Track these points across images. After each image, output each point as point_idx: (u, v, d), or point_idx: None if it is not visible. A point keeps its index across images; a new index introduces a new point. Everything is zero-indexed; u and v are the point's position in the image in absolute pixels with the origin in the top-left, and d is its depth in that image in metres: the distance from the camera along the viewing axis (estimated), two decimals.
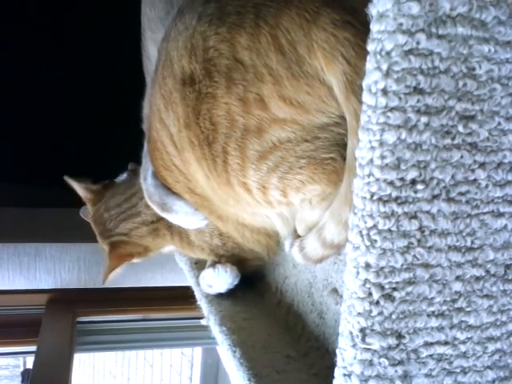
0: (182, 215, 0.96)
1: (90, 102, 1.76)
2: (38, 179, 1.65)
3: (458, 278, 0.59)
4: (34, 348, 1.45)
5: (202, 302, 1.10)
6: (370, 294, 0.56)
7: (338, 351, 0.60)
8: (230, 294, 1.08)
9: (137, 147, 1.20)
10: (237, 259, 1.07)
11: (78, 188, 1.18)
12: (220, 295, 1.09)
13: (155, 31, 1.17)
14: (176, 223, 1.02)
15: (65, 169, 1.76)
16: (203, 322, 1.08)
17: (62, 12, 1.77)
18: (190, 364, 3.28)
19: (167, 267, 1.63)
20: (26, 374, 1.48)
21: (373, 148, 0.54)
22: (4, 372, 4.84)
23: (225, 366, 0.95)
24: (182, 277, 1.29)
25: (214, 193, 0.84)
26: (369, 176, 0.55)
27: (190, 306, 1.17)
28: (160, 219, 1.07)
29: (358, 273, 0.56)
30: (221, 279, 1.06)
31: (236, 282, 1.07)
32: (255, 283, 1.13)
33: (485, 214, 0.59)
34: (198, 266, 1.19)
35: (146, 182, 0.99)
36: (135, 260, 1.14)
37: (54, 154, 1.75)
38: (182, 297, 1.29)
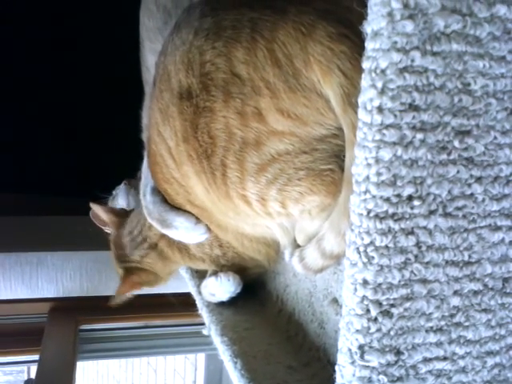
0: (182, 230, 0.96)
1: (88, 112, 1.76)
2: (39, 188, 1.66)
3: (455, 292, 0.59)
4: (36, 357, 1.45)
5: (203, 312, 1.10)
6: (368, 311, 0.56)
7: (337, 368, 0.60)
8: (231, 303, 1.08)
9: (136, 156, 1.21)
10: (238, 268, 1.07)
11: (102, 212, 1.19)
12: (221, 304, 1.09)
13: (154, 41, 1.18)
14: (177, 239, 1.02)
15: (65, 178, 1.78)
16: (204, 331, 1.08)
17: (61, 24, 1.77)
18: (194, 368, 3.28)
19: None
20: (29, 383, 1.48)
21: (369, 165, 0.54)
22: (8, 378, 4.84)
23: (228, 372, 0.95)
24: (184, 283, 1.29)
25: (213, 205, 0.85)
26: (365, 193, 0.55)
27: (192, 313, 1.17)
28: (161, 238, 1.07)
29: (355, 289, 0.57)
30: (223, 288, 1.06)
31: (238, 291, 1.07)
32: (256, 292, 1.13)
33: (482, 228, 0.59)
34: (199, 274, 1.19)
35: (146, 199, 1.00)
36: (146, 288, 1.16)
37: (55, 163, 1.75)
38: (183, 303, 1.29)
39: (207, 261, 1.07)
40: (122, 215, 1.18)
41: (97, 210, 1.20)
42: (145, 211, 1.01)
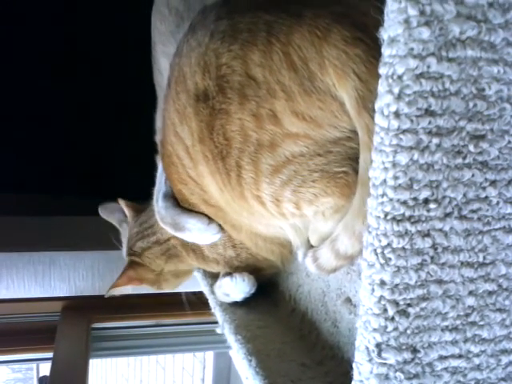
0: (195, 232, 0.98)
1: (99, 114, 1.77)
2: (51, 188, 1.67)
3: (470, 292, 0.60)
4: (49, 355, 1.47)
5: (216, 311, 1.11)
6: (386, 311, 0.58)
7: (354, 365, 0.62)
8: (244, 303, 1.09)
9: (146, 159, 1.22)
10: (251, 269, 1.08)
11: (124, 206, 1.21)
12: (234, 303, 1.10)
13: (166, 44, 1.19)
14: (190, 241, 1.03)
15: (78, 178, 1.79)
16: (218, 330, 1.09)
17: (62, 23, 1.78)
18: (202, 366, 3.29)
19: None
20: (43, 380, 1.50)
21: (386, 169, 0.55)
22: (17, 375, 4.87)
23: (237, 370, 0.96)
24: (195, 282, 1.30)
25: (227, 205, 0.86)
26: (382, 196, 0.56)
27: (203, 311, 1.19)
28: (174, 237, 1.08)
29: (373, 290, 0.58)
30: (238, 288, 1.07)
31: (253, 291, 1.08)
32: (269, 291, 1.14)
33: (496, 230, 0.60)
34: (212, 274, 1.20)
35: (158, 205, 1.01)
36: (147, 286, 1.15)
37: (67, 163, 1.76)
38: (194, 302, 1.30)
39: (221, 262, 1.07)
40: (138, 209, 1.19)
41: (121, 204, 1.21)
42: (157, 216, 1.03)
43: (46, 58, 1.77)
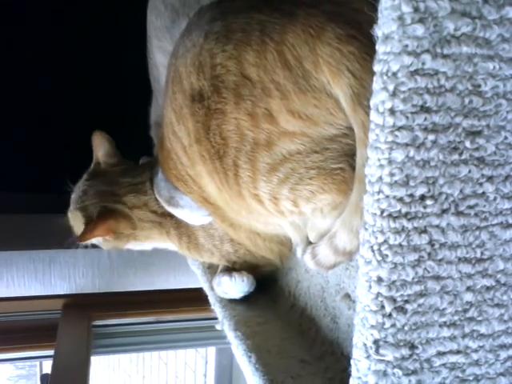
0: (187, 210, 0.98)
1: (94, 108, 1.77)
2: (51, 186, 1.67)
3: (468, 288, 0.60)
4: (50, 352, 1.47)
5: (216, 307, 1.11)
6: (383, 307, 0.58)
7: (352, 362, 0.62)
8: (244, 299, 1.10)
9: (141, 154, 1.21)
10: (249, 265, 1.08)
11: (104, 140, 1.13)
12: (234, 300, 1.10)
13: (161, 39, 1.19)
14: (181, 218, 1.03)
15: (77, 176, 1.78)
16: (218, 326, 1.09)
17: (69, 23, 1.77)
18: (205, 361, 3.31)
19: (180, 270, 1.65)
20: (44, 378, 1.50)
21: (382, 166, 0.55)
22: (21, 372, 4.90)
23: (239, 365, 0.97)
24: (195, 279, 1.30)
25: (226, 204, 0.86)
26: (378, 193, 0.56)
27: (203, 307, 1.19)
28: (167, 215, 1.05)
29: (370, 287, 0.58)
30: (237, 288, 1.07)
31: (252, 290, 1.08)
32: (268, 287, 1.14)
33: (494, 225, 0.60)
34: (212, 270, 1.20)
35: (157, 177, 1.01)
36: (112, 238, 1.07)
37: (67, 162, 1.76)
38: (195, 298, 1.30)
39: (217, 255, 1.08)
40: (120, 156, 1.13)
41: (99, 138, 1.14)
42: (154, 188, 1.03)
43: (46, 58, 1.77)
